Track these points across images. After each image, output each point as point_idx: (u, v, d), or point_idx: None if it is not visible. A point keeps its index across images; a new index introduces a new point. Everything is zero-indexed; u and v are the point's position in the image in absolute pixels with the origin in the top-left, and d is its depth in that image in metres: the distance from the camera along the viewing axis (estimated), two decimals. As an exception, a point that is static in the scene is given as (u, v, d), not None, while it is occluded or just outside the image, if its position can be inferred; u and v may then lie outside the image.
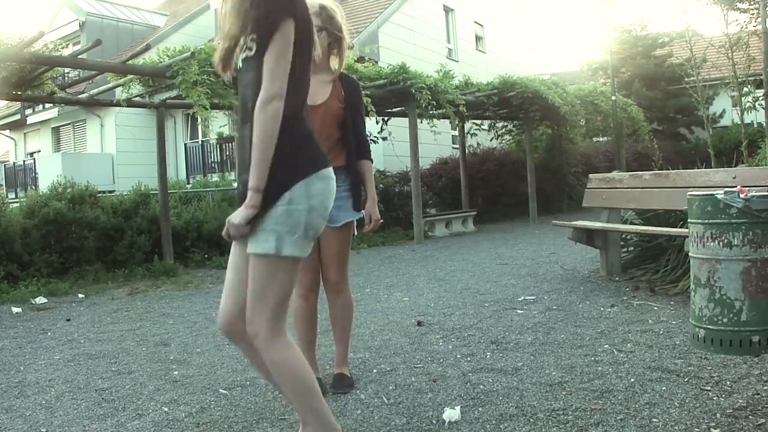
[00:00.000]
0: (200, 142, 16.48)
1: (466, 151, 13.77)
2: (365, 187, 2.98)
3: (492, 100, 11.67)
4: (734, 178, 4.09)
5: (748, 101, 7.70)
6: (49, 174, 12.01)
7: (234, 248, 2.06)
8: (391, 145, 11.28)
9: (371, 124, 10.69)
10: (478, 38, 19.59)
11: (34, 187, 15.01)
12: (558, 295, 4.96)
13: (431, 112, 10.14)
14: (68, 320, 5.40)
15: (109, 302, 6.32)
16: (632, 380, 2.83)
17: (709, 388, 2.67)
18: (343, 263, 3.01)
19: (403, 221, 11.54)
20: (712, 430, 2.26)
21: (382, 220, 3.02)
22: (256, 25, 1.86)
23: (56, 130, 19.31)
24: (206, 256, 8.89)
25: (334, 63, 2.92)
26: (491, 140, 14.98)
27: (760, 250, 2.19)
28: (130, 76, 7.65)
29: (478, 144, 14.25)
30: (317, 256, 2.96)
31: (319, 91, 2.86)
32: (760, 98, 8.22)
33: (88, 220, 8.04)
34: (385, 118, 11.69)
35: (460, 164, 13.48)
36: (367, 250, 9.48)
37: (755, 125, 12.98)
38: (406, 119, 10.65)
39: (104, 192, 9.98)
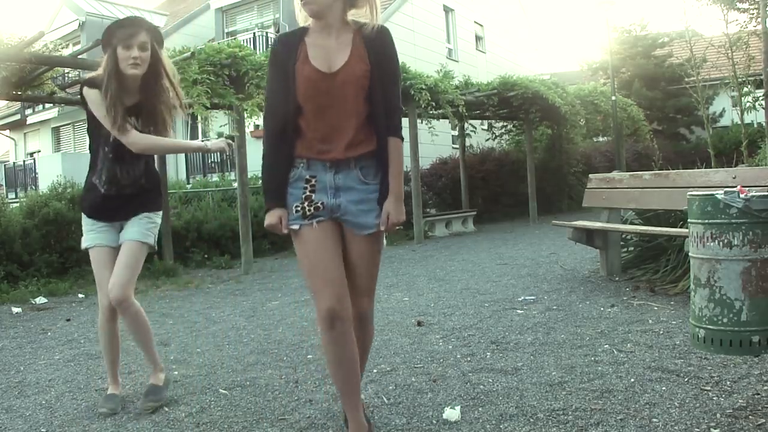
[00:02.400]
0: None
1: (466, 151, 13.77)
2: (389, 175, 2.24)
3: (492, 100, 11.67)
4: (734, 178, 4.09)
5: (748, 101, 7.70)
6: (49, 174, 11.99)
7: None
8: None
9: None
10: (478, 38, 19.58)
11: (34, 187, 15.00)
12: (558, 295, 4.96)
13: (431, 112, 10.13)
14: (68, 320, 5.39)
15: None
16: (632, 380, 2.83)
17: (709, 388, 2.66)
18: (372, 282, 2.33)
19: (403, 221, 11.53)
20: (712, 430, 2.26)
21: (402, 222, 2.27)
22: None
23: (56, 130, 19.32)
24: (206, 256, 8.89)
25: (358, 14, 2.25)
26: (487, 140, 14.97)
27: (760, 250, 2.19)
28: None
29: (470, 145, 14.21)
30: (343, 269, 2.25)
31: (335, 56, 2.19)
32: (760, 98, 8.22)
33: (88, 220, 8.03)
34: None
35: (460, 164, 13.47)
36: (367, 250, 9.47)
37: (755, 125, 12.98)
38: (406, 119, 10.65)
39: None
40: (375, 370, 3.27)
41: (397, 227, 2.25)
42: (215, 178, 14.98)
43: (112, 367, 3.04)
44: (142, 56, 2.78)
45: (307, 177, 2.21)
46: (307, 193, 2.20)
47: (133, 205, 2.95)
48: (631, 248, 5.91)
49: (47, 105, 15.74)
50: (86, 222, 2.96)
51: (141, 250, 2.94)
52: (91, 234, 2.94)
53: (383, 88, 2.21)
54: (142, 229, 2.94)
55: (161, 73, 2.88)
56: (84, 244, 2.95)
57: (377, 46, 2.21)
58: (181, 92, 3.02)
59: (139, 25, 2.83)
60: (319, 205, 2.20)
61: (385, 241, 2.36)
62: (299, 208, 2.20)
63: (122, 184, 2.92)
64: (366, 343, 2.44)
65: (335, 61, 2.17)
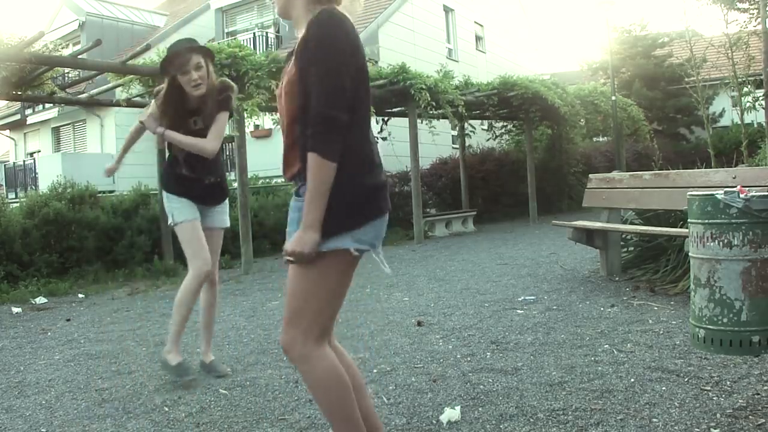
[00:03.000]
0: (200, 142, 16.47)
1: (466, 151, 13.77)
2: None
3: (492, 100, 11.68)
4: (734, 178, 4.09)
5: (748, 101, 7.70)
6: (49, 174, 11.99)
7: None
8: (391, 145, 11.27)
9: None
10: (478, 38, 19.58)
11: (34, 187, 14.99)
12: (558, 295, 4.96)
13: (431, 112, 10.14)
14: (68, 320, 5.40)
15: (109, 302, 6.32)
16: (632, 380, 2.83)
17: (709, 388, 2.66)
18: (297, 311, 1.86)
19: (403, 221, 11.54)
20: (712, 430, 2.26)
21: (297, 254, 1.77)
22: None
23: (56, 130, 19.31)
24: (206, 256, 8.88)
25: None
26: (487, 140, 14.97)
27: (760, 250, 2.19)
28: (130, 76, 7.65)
29: (470, 145, 14.20)
30: None
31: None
32: (760, 98, 8.22)
33: (88, 220, 8.05)
34: (385, 118, 11.70)
35: (460, 164, 13.48)
36: (367, 250, 9.47)
37: (755, 125, 12.98)
38: (406, 119, 10.65)
39: (104, 192, 9.97)
40: (375, 370, 3.27)
41: (289, 259, 1.80)
42: (215, 178, 14.95)
43: (179, 332, 3.29)
44: (201, 75, 3.13)
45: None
46: None
47: (218, 194, 3.37)
48: (631, 248, 5.91)
49: (47, 105, 15.73)
50: (174, 200, 3.26)
51: (223, 234, 3.48)
52: (182, 210, 3.24)
53: (307, 90, 1.76)
54: (227, 217, 3.45)
55: (212, 81, 3.24)
56: (177, 219, 3.24)
57: (304, 38, 1.79)
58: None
59: (189, 50, 3.16)
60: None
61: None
62: None
63: (202, 172, 3.26)
64: (311, 389, 1.94)
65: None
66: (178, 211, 3.23)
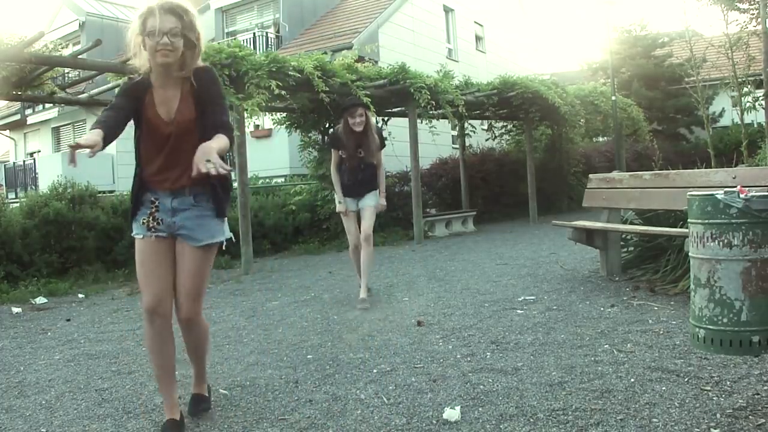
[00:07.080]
0: (200, 142, 16.47)
1: (466, 151, 13.76)
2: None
3: (492, 100, 11.68)
4: (734, 178, 4.09)
5: (748, 101, 7.70)
6: (49, 174, 11.99)
7: None
8: (391, 145, 11.23)
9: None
10: (478, 38, 19.58)
11: (34, 187, 15.00)
12: (558, 295, 4.96)
13: (431, 112, 10.14)
14: (68, 320, 5.40)
15: (109, 302, 6.32)
16: (632, 380, 2.83)
17: (709, 388, 2.67)
18: (200, 291, 2.70)
19: (403, 221, 11.53)
20: (712, 430, 2.26)
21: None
22: None
23: (56, 130, 19.32)
24: (206, 256, 8.87)
25: (186, 67, 2.54)
26: (486, 140, 14.97)
27: (760, 250, 2.19)
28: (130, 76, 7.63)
29: (470, 145, 14.19)
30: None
31: (170, 106, 2.54)
32: (760, 98, 8.22)
33: (88, 220, 8.04)
34: (385, 118, 11.69)
35: (460, 164, 13.47)
36: (367, 250, 9.47)
37: (755, 125, 12.98)
38: (406, 119, 10.65)
39: (104, 192, 9.97)
40: (375, 370, 3.27)
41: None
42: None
43: (361, 279, 5.20)
44: (361, 121, 5.12)
45: (152, 199, 2.63)
46: (152, 210, 2.64)
47: (365, 187, 5.26)
48: (631, 248, 5.90)
49: (47, 105, 15.75)
50: (340, 198, 5.31)
51: (375, 211, 5.29)
52: (342, 204, 5.30)
53: (207, 120, 2.54)
54: (374, 199, 5.29)
55: (370, 125, 5.27)
56: (338, 209, 5.36)
57: (204, 85, 2.58)
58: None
59: (358, 104, 5.27)
60: (159, 220, 2.63)
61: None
62: (144, 222, 2.65)
63: (357, 180, 5.24)
64: (197, 342, 2.82)
65: (171, 111, 2.54)
66: (339, 205, 5.32)
